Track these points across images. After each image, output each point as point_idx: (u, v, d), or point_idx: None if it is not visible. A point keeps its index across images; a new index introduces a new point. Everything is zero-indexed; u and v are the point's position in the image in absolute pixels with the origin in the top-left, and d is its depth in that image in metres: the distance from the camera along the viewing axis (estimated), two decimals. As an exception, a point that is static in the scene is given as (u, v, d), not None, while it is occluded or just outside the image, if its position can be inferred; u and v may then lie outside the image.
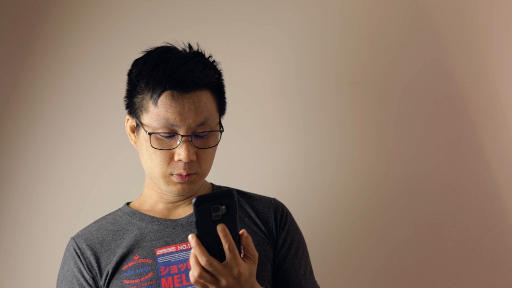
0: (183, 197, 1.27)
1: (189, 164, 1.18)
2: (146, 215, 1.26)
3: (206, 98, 1.20)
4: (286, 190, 1.58)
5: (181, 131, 1.17)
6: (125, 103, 1.26)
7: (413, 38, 1.71)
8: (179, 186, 1.20)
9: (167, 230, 1.23)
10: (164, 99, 1.17)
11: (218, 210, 0.98)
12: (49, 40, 1.72)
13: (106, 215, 1.31)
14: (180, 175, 1.19)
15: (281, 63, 1.72)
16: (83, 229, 1.28)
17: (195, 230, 0.98)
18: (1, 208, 1.66)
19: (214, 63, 1.26)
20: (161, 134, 1.18)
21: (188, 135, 1.17)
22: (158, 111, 1.17)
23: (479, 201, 1.65)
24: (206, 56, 1.26)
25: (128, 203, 1.32)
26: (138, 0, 1.75)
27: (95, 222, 1.30)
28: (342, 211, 1.68)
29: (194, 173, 1.20)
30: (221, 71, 1.27)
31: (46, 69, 1.71)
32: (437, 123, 1.68)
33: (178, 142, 1.17)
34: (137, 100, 1.22)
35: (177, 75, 1.17)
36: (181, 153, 1.17)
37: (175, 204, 1.27)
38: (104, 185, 1.68)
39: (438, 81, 1.69)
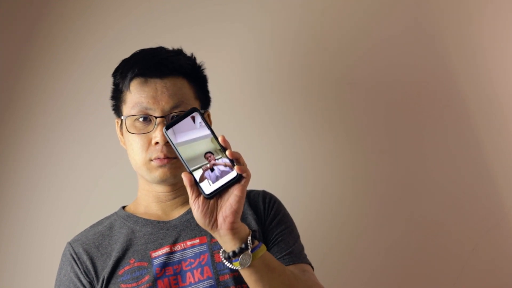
0: (173, 193, 1.27)
1: (167, 147, 1.20)
2: (141, 218, 1.27)
3: (181, 84, 1.24)
4: (284, 190, 1.57)
5: (156, 114, 1.20)
6: (112, 106, 1.31)
7: (413, 37, 1.71)
8: (160, 171, 1.21)
9: (161, 232, 1.24)
10: (137, 85, 1.22)
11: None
12: (49, 40, 1.72)
13: (102, 220, 1.32)
14: (158, 158, 1.20)
15: (280, 63, 1.72)
16: (79, 234, 1.29)
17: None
18: (1, 209, 1.66)
19: (193, 56, 1.30)
20: (135, 116, 1.21)
21: (163, 117, 1.20)
22: (132, 97, 1.22)
23: (479, 201, 1.65)
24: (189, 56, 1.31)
25: (124, 207, 1.33)
26: (138, 0, 1.75)
27: (91, 226, 1.31)
28: (342, 211, 1.68)
29: (174, 158, 1.21)
30: (202, 64, 1.30)
31: (46, 69, 1.71)
32: (437, 123, 1.68)
33: (154, 126, 1.20)
34: (118, 96, 1.27)
35: (147, 59, 1.23)
36: (157, 135, 1.19)
37: (167, 204, 1.28)
38: (104, 187, 1.67)
39: (438, 81, 1.69)
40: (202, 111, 1.24)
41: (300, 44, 1.72)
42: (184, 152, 1.02)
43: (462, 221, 1.65)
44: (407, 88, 1.70)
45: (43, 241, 1.64)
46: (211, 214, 1.01)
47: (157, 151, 1.20)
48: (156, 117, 1.20)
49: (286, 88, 1.72)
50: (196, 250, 1.20)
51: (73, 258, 1.22)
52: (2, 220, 1.65)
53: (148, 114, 1.21)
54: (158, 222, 1.25)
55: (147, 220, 1.26)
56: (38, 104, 1.70)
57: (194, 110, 1.04)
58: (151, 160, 1.21)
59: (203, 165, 1.01)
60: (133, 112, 1.22)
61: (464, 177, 1.66)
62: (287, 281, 1.07)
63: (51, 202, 1.67)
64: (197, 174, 1.01)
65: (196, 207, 1.01)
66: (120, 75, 1.25)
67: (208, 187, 1.00)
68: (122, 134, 1.28)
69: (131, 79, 1.23)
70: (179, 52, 1.29)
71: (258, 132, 1.71)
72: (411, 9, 1.72)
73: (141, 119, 1.22)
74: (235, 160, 1.00)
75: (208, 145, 1.02)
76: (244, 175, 0.99)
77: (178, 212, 1.27)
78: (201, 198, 1.01)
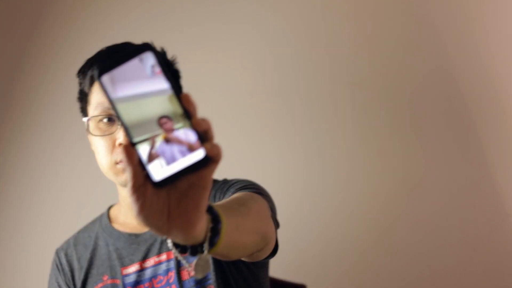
0: None
1: None
2: (116, 230, 1.22)
3: None
4: (285, 189, 1.57)
5: None
6: (79, 108, 1.20)
7: (413, 37, 1.71)
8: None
9: (132, 246, 1.18)
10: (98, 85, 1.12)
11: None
12: (49, 40, 1.73)
13: (88, 224, 1.28)
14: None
15: (280, 63, 1.72)
16: (66, 241, 1.26)
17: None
18: (1, 209, 1.66)
19: (163, 51, 1.21)
20: (99, 116, 1.11)
21: None
22: (95, 98, 1.13)
23: (480, 201, 1.65)
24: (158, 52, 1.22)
25: (110, 207, 1.28)
26: (138, 0, 1.75)
27: (78, 232, 1.27)
28: (342, 212, 1.68)
29: None
30: (174, 59, 1.21)
31: (46, 69, 1.72)
32: (437, 123, 1.68)
33: (118, 126, 1.11)
34: (83, 97, 1.17)
35: (110, 56, 1.15)
36: (120, 136, 1.10)
37: None
38: (104, 188, 1.67)
39: (439, 81, 1.69)
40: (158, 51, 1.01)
41: (301, 44, 1.72)
42: (127, 113, 0.64)
43: (464, 221, 1.65)
44: (408, 88, 1.70)
45: (43, 241, 1.64)
46: (161, 212, 0.65)
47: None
48: None
49: (285, 88, 1.72)
50: (163, 267, 1.15)
51: (57, 267, 1.22)
52: (2, 220, 1.65)
53: (111, 114, 1.11)
54: (130, 235, 1.20)
55: (120, 233, 1.21)
56: (39, 104, 1.70)
57: (145, 47, 0.64)
58: (117, 163, 1.11)
59: (154, 135, 0.64)
60: (96, 112, 1.12)
61: (465, 178, 1.66)
62: (252, 226, 0.87)
63: (51, 202, 1.67)
64: (145, 149, 0.64)
65: (135, 199, 0.63)
66: (82, 75, 1.16)
67: (159, 170, 0.64)
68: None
69: (91, 79, 1.13)
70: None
71: (258, 132, 1.71)
72: (412, 9, 1.71)
73: (105, 120, 1.11)
74: (203, 132, 0.64)
75: (164, 105, 0.64)
76: (214, 157, 0.64)
77: None
78: (148, 186, 0.65)
